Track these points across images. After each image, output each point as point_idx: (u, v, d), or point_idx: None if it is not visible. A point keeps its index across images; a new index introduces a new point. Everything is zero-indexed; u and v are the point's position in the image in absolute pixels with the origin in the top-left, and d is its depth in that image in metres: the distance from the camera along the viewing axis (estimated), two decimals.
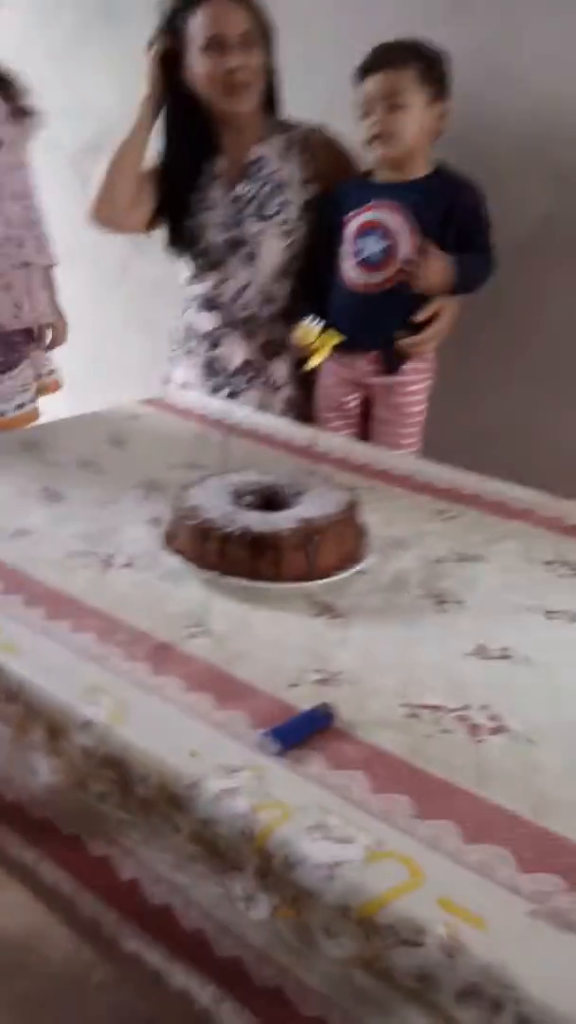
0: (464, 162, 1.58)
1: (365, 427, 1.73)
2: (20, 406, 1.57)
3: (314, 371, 1.73)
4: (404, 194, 1.53)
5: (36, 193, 1.57)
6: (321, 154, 1.67)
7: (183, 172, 1.70)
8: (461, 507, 1.21)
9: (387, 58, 1.46)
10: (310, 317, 1.57)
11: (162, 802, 0.71)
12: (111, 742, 0.74)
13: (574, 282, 1.67)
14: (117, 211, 1.66)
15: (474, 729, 0.75)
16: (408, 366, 1.64)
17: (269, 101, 1.68)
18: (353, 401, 1.71)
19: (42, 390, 1.65)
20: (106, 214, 1.67)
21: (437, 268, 1.53)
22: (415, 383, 1.66)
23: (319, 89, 1.62)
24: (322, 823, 0.64)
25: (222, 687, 0.80)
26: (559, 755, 0.72)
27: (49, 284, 1.63)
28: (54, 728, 0.79)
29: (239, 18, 1.54)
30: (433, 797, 0.67)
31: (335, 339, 1.54)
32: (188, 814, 0.69)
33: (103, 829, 0.79)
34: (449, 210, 1.52)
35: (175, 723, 0.75)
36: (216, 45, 1.54)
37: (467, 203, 1.54)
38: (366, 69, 1.48)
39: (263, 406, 1.74)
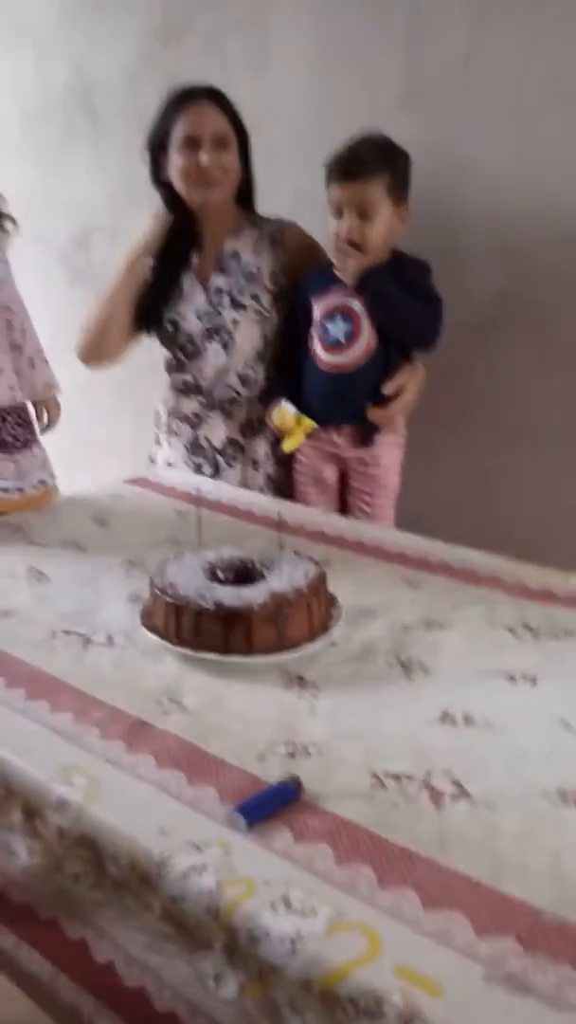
0: (422, 246, 1.67)
1: (343, 499, 1.79)
2: (41, 482, 1.63)
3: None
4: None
5: (15, 284, 1.65)
6: (292, 248, 1.77)
7: (164, 275, 1.79)
8: (429, 574, 1.25)
9: (359, 168, 1.54)
10: (284, 400, 1.65)
11: (134, 881, 0.73)
12: (84, 822, 0.76)
13: (529, 354, 1.75)
14: (108, 351, 1.81)
15: (436, 796, 0.77)
16: (380, 438, 1.70)
17: (243, 198, 1.79)
18: (330, 474, 1.76)
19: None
20: (94, 357, 1.81)
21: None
22: (388, 455, 1.72)
23: (286, 184, 1.72)
24: (285, 896, 0.66)
25: (194, 763, 0.82)
26: (518, 819, 0.74)
27: (42, 364, 1.70)
28: (30, 808, 0.81)
29: (214, 119, 1.66)
30: (395, 866, 0.69)
31: (309, 426, 1.62)
32: (158, 892, 0.71)
33: (79, 911, 0.80)
34: (403, 287, 1.60)
35: (146, 801, 0.78)
36: (191, 143, 1.65)
37: (416, 277, 1.62)
38: (339, 174, 1.56)
39: (245, 483, 1.80)
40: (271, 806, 0.75)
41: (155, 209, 1.77)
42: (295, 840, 0.72)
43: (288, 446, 1.66)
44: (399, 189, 1.57)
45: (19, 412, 1.60)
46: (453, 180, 1.73)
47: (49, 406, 1.74)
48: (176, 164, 1.68)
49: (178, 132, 1.66)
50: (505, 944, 0.61)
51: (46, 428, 1.73)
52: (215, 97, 1.67)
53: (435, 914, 0.64)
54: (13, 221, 1.63)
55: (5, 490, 1.55)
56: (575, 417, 1.73)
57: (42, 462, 1.63)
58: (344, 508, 1.79)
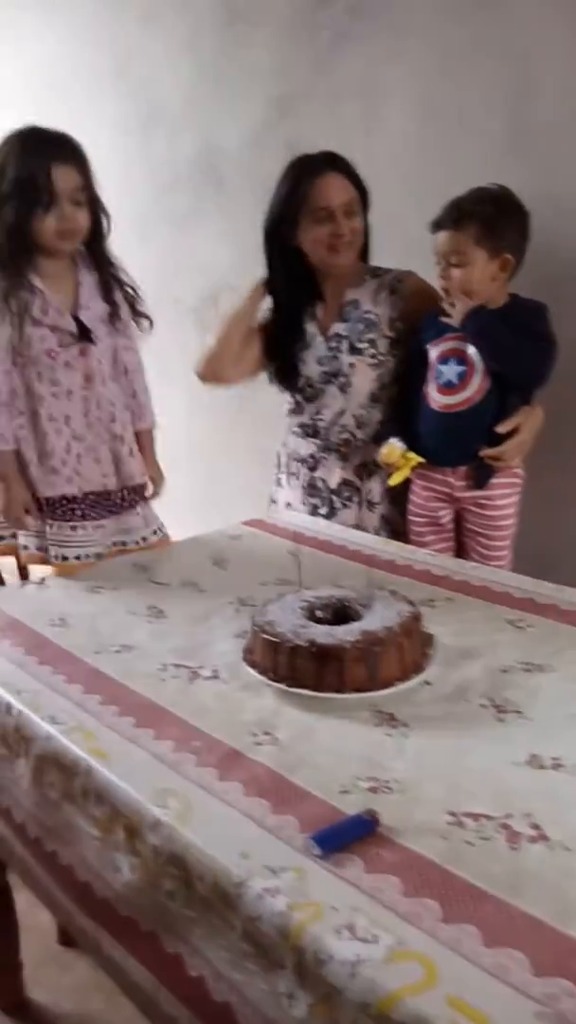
0: (529, 288, 1.68)
1: (459, 541, 1.79)
2: (143, 539, 1.74)
3: (407, 489, 1.82)
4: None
5: (142, 367, 1.77)
6: (409, 296, 1.82)
7: (288, 322, 1.89)
8: (535, 616, 1.24)
9: (451, 217, 1.61)
10: (395, 438, 1.70)
11: (217, 900, 0.78)
12: (176, 842, 0.83)
13: None
14: (221, 373, 1.89)
15: (513, 837, 0.78)
16: (496, 480, 1.70)
17: (363, 251, 1.87)
18: (445, 516, 1.77)
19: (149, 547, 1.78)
20: (210, 373, 1.90)
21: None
22: (504, 496, 1.71)
23: (399, 235, 1.79)
24: (351, 923, 0.69)
25: (279, 792, 0.87)
26: None
27: (146, 445, 1.78)
28: (131, 828, 0.88)
29: (344, 190, 1.75)
30: (461, 901, 0.70)
31: (415, 460, 1.66)
32: (237, 912, 0.75)
33: (175, 927, 0.86)
34: (518, 332, 1.62)
35: (232, 825, 0.83)
36: (325, 215, 1.74)
37: (530, 319, 1.63)
38: (434, 225, 1.64)
39: (360, 523, 1.85)
40: (346, 837, 0.78)
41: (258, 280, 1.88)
42: (366, 870, 0.75)
43: (394, 480, 1.71)
44: (492, 237, 1.60)
45: (123, 490, 1.71)
46: (564, 224, 1.73)
47: (155, 480, 1.80)
48: (311, 234, 1.76)
49: (311, 203, 1.74)
50: (561, 984, 0.61)
51: (152, 496, 1.80)
52: (340, 166, 1.75)
53: (495, 950, 0.65)
54: (150, 321, 1.74)
55: (111, 545, 1.68)
56: None
57: (146, 520, 1.74)
58: (461, 550, 1.79)
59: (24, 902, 1.37)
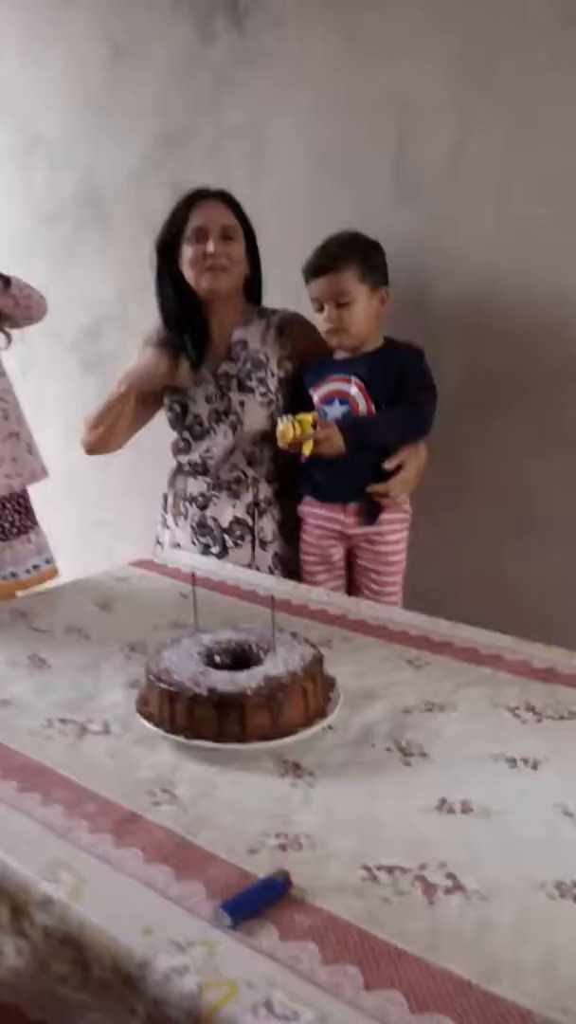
0: (422, 332, 1.73)
1: (350, 578, 1.79)
2: (35, 567, 1.64)
3: (298, 527, 1.81)
4: (357, 367, 1.70)
5: (7, 375, 1.70)
6: (295, 336, 1.84)
7: (172, 360, 1.85)
8: (432, 654, 1.24)
9: (329, 262, 1.65)
10: (281, 418, 1.66)
11: (117, 983, 0.71)
12: (69, 920, 0.75)
13: (528, 436, 1.77)
14: (110, 447, 1.90)
15: (430, 889, 0.75)
16: (386, 516, 1.72)
17: (251, 293, 1.87)
18: (337, 553, 1.77)
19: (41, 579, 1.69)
20: (100, 450, 1.90)
21: (328, 436, 1.64)
22: (394, 532, 1.74)
23: (287, 277, 1.80)
24: (268, 999, 0.64)
25: (182, 857, 0.81)
26: (512, 912, 0.71)
27: (36, 450, 1.73)
28: (17, 906, 0.80)
29: (222, 214, 1.77)
30: (382, 965, 0.67)
31: (309, 418, 1.62)
32: (141, 995, 0.68)
33: (67, 1014, 0.78)
34: (395, 375, 1.67)
35: (132, 898, 0.76)
36: (201, 234, 1.76)
37: (409, 366, 1.69)
38: (313, 271, 1.67)
39: (253, 562, 1.81)
40: (258, 902, 0.73)
41: (147, 338, 1.86)
42: (281, 938, 0.70)
43: (308, 450, 1.64)
44: (372, 274, 1.66)
45: (17, 499, 1.63)
46: (446, 269, 1.80)
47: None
48: (186, 254, 1.77)
49: (189, 225, 1.77)
50: None
51: None
52: (224, 197, 1.79)
53: (422, 1017, 0.61)
54: (7, 336, 1.69)
55: (1, 577, 1.57)
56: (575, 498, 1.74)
57: (38, 548, 1.65)
58: (352, 587, 1.79)
59: None
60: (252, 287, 1.88)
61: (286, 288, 1.84)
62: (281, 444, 1.66)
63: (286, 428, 1.63)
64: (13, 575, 1.59)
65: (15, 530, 1.60)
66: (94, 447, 1.89)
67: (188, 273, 1.78)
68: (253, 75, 2.02)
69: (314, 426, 1.62)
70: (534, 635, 1.27)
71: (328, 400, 1.71)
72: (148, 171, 2.27)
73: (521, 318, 1.72)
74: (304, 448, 1.64)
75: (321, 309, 1.68)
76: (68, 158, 2.49)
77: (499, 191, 1.70)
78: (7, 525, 1.59)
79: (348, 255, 1.64)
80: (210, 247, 1.74)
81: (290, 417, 1.64)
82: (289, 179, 2.02)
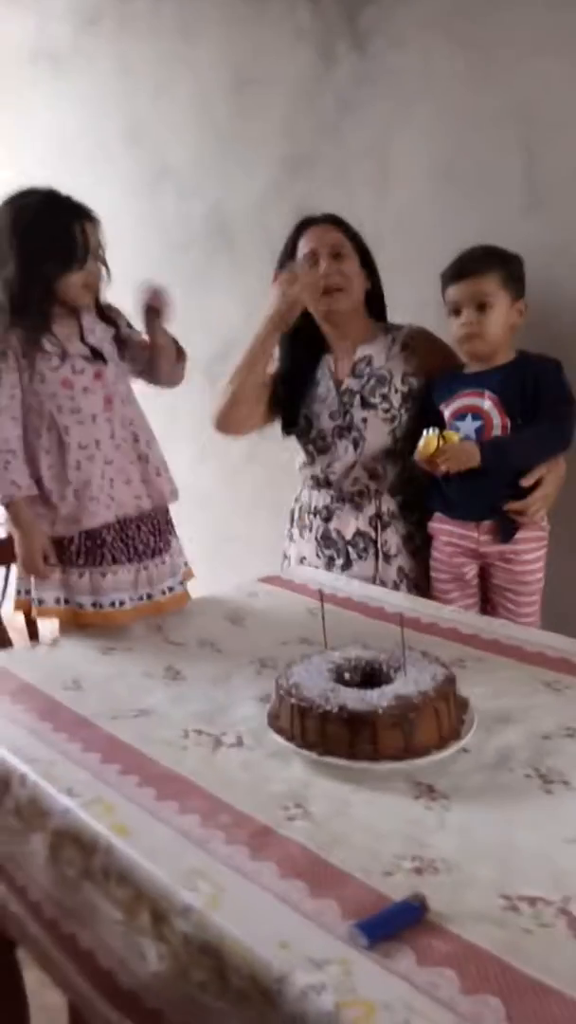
0: (544, 343, 1.68)
1: (485, 598, 1.75)
2: (169, 589, 1.67)
3: (426, 542, 1.79)
4: (491, 380, 1.65)
5: (137, 402, 1.74)
6: (422, 351, 1.82)
7: (298, 374, 1.89)
8: (572, 677, 1.19)
9: (473, 265, 1.62)
10: (426, 430, 1.63)
11: (255, 994, 0.72)
12: (208, 929, 0.76)
13: None
14: (239, 421, 1.89)
15: (574, 923, 0.72)
16: (522, 534, 1.66)
17: (373, 308, 1.88)
18: (470, 572, 1.73)
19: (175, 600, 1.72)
20: (229, 424, 1.90)
21: (461, 451, 1.60)
22: (531, 551, 1.68)
23: (410, 294, 1.79)
24: (407, 1022, 0.63)
25: (316, 874, 0.81)
26: None
27: (166, 473, 1.74)
28: (158, 912, 0.82)
29: (332, 236, 1.79)
30: (526, 999, 0.64)
31: (455, 436, 1.60)
32: (278, 1009, 0.69)
33: (207, 1021, 0.79)
34: (531, 387, 1.62)
35: (268, 911, 0.77)
36: (311, 258, 1.79)
37: (545, 377, 1.63)
38: (455, 275, 1.64)
39: (377, 575, 1.80)
40: (394, 925, 0.72)
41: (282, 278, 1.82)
42: (418, 963, 0.69)
43: (447, 468, 1.62)
44: (513, 283, 1.63)
45: (151, 520, 1.67)
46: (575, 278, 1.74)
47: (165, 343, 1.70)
48: (304, 280, 1.79)
49: (300, 251, 1.80)
50: None
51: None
52: (332, 219, 1.81)
53: None
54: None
55: (138, 598, 1.60)
56: None
57: (172, 569, 1.68)
58: (487, 606, 1.75)
59: (34, 981, 1.28)
60: (374, 304, 1.88)
61: (412, 305, 1.83)
62: (419, 457, 1.63)
63: (429, 440, 1.60)
64: (149, 596, 1.62)
65: (149, 552, 1.64)
66: (220, 420, 1.87)
67: (308, 298, 1.80)
68: (375, 95, 2.03)
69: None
70: None
71: (460, 415, 1.67)
72: (273, 197, 2.33)
73: None
74: (451, 463, 1.60)
75: (458, 313, 1.64)
76: (196, 187, 2.58)
77: None
78: (141, 547, 1.63)
79: (492, 260, 1.62)
80: (325, 269, 1.77)
81: (435, 430, 1.61)
82: (414, 196, 2.01)
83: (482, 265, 1.61)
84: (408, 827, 0.88)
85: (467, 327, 1.63)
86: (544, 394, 1.61)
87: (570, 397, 1.63)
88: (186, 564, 1.72)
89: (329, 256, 1.77)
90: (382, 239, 1.82)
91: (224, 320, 2.54)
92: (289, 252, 1.83)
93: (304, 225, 1.82)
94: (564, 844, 0.83)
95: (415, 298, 1.80)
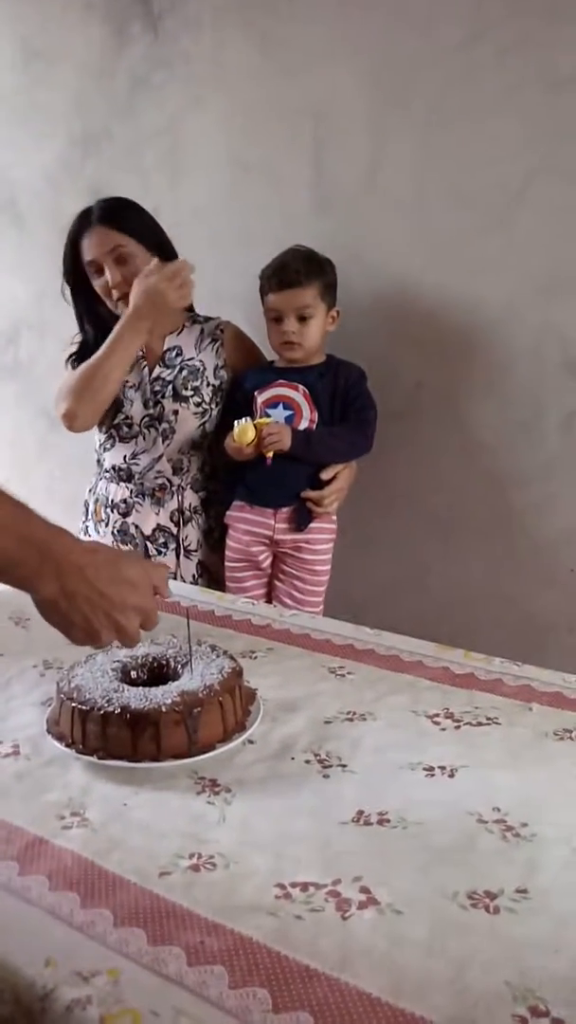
0: (332, 338, 1.76)
1: (272, 585, 1.79)
2: None
3: (223, 536, 1.80)
4: (303, 376, 1.72)
5: None
6: (230, 348, 1.82)
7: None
8: (355, 663, 1.23)
9: (296, 277, 1.66)
10: (239, 420, 1.65)
11: (20, 1017, 0.68)
12: None
13: (450, 442, 1.80)
14: (95, 420, 1.75)
15: (343, 905, 0.74)
16: (314, 525, 1.73)
17: None
18: (265, 560, 1.77)
19: None
20: (90, 424, 1.75)
21: (284, 431, 1.67)
22: (321, 541, 1.75)
23: (204, 284, 1.78)
24: None
25: (90, 883, 0.78)
26: (424, 925, 0.71)
27: None
28: None
29: (109, 240, 1.70)
30: (292, 986, 0.65)
31: (266, 421, 1.64)
32: None
33: None
34: (342, 390, 1.72)
35: (36, 928, 0.73)
36: (94, 268, 1.72)
37: (354, 384, 1.73)
38: (278, 285, 1.67)
39: (177, 571, 1.78)
40: None
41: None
42: (189, 964, 0.68)
43: (270, 450, 1.66)
44: (329, 293, 1.70)
45: None
46: (364, 278, 1.81)
47: None
48: (95, 285, 1.75)
49: (83, 259, 1.73)
50: None
51: None
52: (108, 218, 1.70)
53: None
54: None
55: None
56: (497, 504, 1.76)
57: None
58: (273, 594, 1.79)
59: None
60: None
61: (204, 294, 1.82)
62: (234, 445, 1.66)
63: (245, 428, 1.62)
64: None
65: None
66: (86, 418, 1.72)
67: (106, 302, 1.75)
68: (170, 78, 2.00)
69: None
70: (458, 641, 1.28)
71: (273, 404, 1.72)
72: (65, 174, 2.23)
73: (438, 326, 1.74)
74: (268, 449, 1.64)
75: (279, 321, 1.69)
76: None
77: (414, 199, 1.72)
78: None
79: (313, 271, 1.67)
80: (110, 278, 1.70)
81: (248, 420, 1.65)
82: (206, 187, 2.01)
83: (304, 277, 1.66)
84: (188, 824, 0.86)
85: (288, 335, 1.68)
86: (352, 399, 1.70)
87: (373, 405, 1.73)
88: None
89: (114, 265, 1.70)
90: (177, 225, 1.79)
91: (12, 299, 2.42)
92: (73, 258, 1.75)
93: (80, 226, 1.72)
94: (338, 827, 0.85)
95: (207, 288, 1.79)
